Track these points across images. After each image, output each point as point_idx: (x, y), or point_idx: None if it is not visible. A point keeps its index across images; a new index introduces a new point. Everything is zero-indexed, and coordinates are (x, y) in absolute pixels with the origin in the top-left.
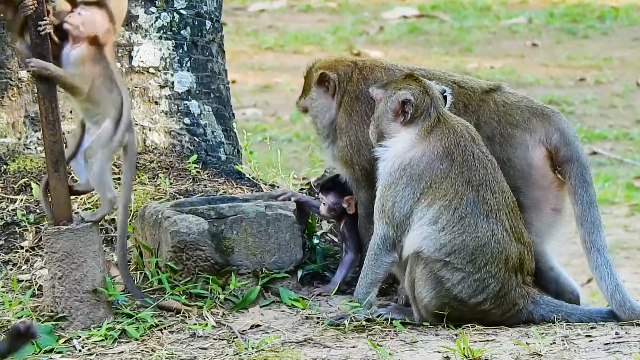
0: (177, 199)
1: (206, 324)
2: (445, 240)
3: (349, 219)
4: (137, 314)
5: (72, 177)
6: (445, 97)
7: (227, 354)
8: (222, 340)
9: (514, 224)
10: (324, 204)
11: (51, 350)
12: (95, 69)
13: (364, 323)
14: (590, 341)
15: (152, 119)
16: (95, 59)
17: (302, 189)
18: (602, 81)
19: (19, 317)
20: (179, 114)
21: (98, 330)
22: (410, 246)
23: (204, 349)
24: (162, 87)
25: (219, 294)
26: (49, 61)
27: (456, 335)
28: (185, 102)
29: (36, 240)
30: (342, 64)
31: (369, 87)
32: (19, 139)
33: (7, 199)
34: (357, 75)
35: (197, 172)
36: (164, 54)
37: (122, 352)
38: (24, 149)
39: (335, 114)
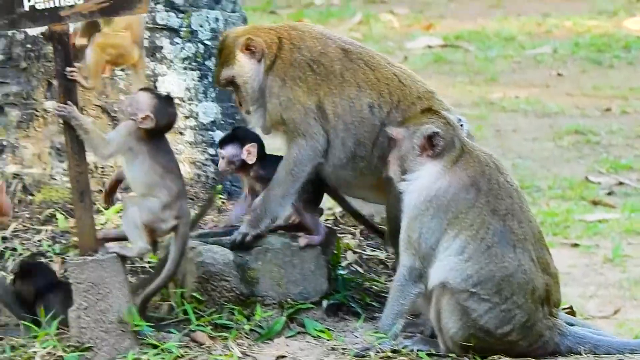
0: (202, 229)
1: (231, 355)
2: (472, 271)
3: (257, 167)
4: (162, 345)
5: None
6: (461, 126)
7: None
8: None
9: (540, 255)
10: (222, 157)
11: None
12: (137, 147)
13: (389, 354)
14: None
15: (177, 149)
16: (138, 138)
17: (327, 220)
18: (628, 111)
19: (44, 347)
20: (203, 144)
21: None
22: (436, 277)
23: None
24: (187, 117)
25: (244, 324)
26: (77, 107)
27: None
28: (210, 132)
29: (62, 271)
30: (262, 31)
31: (304, 56)
32: (45, 169)
33: (33, 229)
34: (288, 44)
35: (222, 202)
36: (188, 84)
37: None
38: (49, 180)
39: (264, 78)
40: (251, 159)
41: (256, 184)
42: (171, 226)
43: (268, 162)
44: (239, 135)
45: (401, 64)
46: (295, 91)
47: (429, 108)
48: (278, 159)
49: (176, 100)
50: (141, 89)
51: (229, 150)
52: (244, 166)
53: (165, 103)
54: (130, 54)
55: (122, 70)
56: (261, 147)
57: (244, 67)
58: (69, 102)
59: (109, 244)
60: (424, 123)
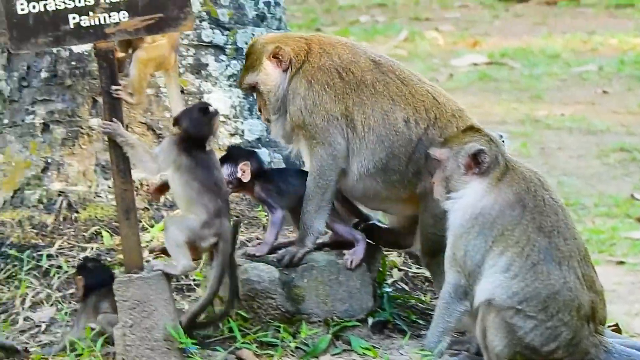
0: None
1: None
2: (518, 288)
3: (258, 184)
4: None
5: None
6: (503, 142)
7: None
8: None
9: (586, 272)
10: None
11: None
12: (177, 160)
13: None
14: None
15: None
16: (179, 153)
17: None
18: None
19: None
20: None
21: None
22: (482, 294)
23: None
24: (232, 135)
25: (290, 342)
26: (123, 124)
27: None
28: (256, 150)
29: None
30: (291, 39)
31: (333, 62)
32: (90, 187)
33: (78, 246)
34: (318, 49)
35: (267, 220)
36: (234, 102)
37: None
38: (94, 197)
39: (288, 83)
40: (245, 178)
41: (262, 205)
42: (211, 244)
43: (270, 180)
44: (233, 154)
45: (440, 81)
46: (321, 96)
47: (471, 126)
48: (282, 173)
49: (221, 118)
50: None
51: (224, 170)
52: (243, 185)
53: (198, 113)
54: (168, 60)
55: (183, 92)
56: (258, 164)
57: (269, 75)
58: (114, 119)
59: (154, 261)
60: (467, 142)
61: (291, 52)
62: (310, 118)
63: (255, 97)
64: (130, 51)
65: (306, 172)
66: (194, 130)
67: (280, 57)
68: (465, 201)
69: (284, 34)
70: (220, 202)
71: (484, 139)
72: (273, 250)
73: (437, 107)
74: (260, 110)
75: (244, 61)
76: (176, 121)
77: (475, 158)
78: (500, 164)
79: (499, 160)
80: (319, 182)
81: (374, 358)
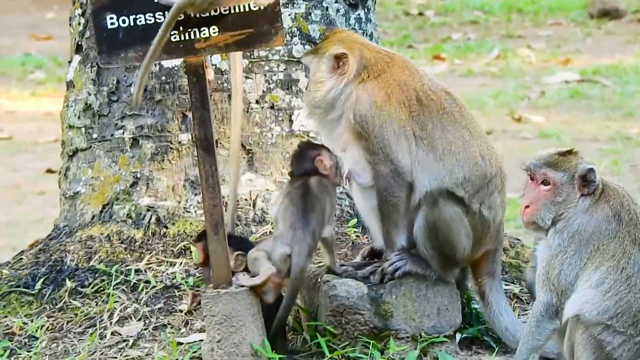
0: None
1: None
2: (610, 303)
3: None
4: None
5: None
6: None
7: None
8: None
9: None
10: None
11: None
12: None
13: None
14: None
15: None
16: None
17: None
18: None
19: None
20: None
21: None
22: (571, 310)
23: None
24: None
25: (378, 358)
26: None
27: None
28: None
29: (194, 304)
30: (372, 49)
31: (414, 83)
32: (179, 202)
33: (167, 261)
34: (401, 64)
35: (356, 236)
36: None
37: None
38: (183, 212)
39: (351, 88)
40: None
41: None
42: (282, 254)
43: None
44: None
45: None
46: (398, 112)
47: (569, 150)
48: None
49: (311, 134)
50: None
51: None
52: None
53: (298, 151)
54: None
55: (257, 102)
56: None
57: (321, 69)
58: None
59: (238, 275)
60: (577, 163)
61: (355, 65)
62: (378, 131)
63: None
64: None
65: None
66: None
67: (340, 65)
68: (565, 221)
69: (366, 41)
70: (300, 217)
71: (584, 160)
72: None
73: (493, 151)
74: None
75: (319, 41)
76: None
77: (586, 179)
78: (600, 182)
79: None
80: (391, 200)
81: None
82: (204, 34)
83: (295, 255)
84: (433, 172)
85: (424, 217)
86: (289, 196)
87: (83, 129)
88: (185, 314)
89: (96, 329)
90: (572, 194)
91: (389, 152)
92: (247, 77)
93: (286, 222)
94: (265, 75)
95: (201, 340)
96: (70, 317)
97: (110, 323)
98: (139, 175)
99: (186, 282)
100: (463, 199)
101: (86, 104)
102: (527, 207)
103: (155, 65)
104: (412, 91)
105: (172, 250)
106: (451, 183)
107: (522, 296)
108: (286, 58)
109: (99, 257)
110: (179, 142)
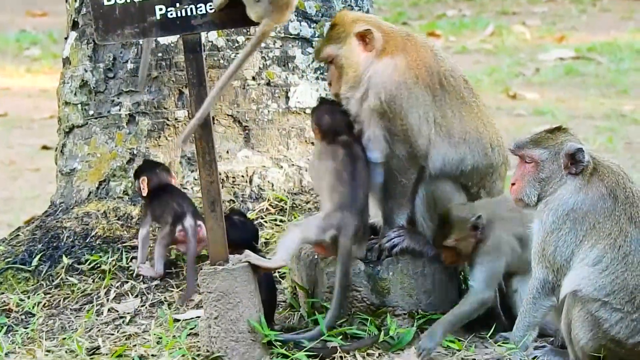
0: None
1: None
2: (606, 281)
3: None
4: (292, 355)
5: None
6: None
7: None
8: None
9: None
10: None
11: None
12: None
13: None
14: None
15: (308, 159)
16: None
17: None
18: None
19: (173, 357)
20: None
21: None
22: (568, 287)
23: None
24: None
25: (375, 334)
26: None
27: None
28: None
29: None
30: (383, 25)
31: (438, 65)
32: (176, 178)
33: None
34: (422, 43)
35: None
36: (320, 94)
37: None
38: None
39: (368, 67)
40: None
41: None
42: (330, 236)
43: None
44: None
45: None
46: (424, 96)
47: (559, 127)
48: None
49: (308, 111)
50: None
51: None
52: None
53: (325, 109)
54: None
55: (253, 79)
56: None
57: (353, 52)
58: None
59: (247, 252)
60: (563, 141)
61: (381, 40)
62: (404, 113)
63: (327, 69)
64: None
65: None
66: (325, 126)
67: (367, 41)
68: (558, 199)
69: (374, 17)
70: (351, 196)
71: (574, 138)
72: None
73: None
74: (330, 84)
75: (328, 31)
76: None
77: (574, 157)
78: (590, 161)
79: (590, 158)
80: (401, 181)
81: (458, 350)
82: (201, 11)
83: (343, 238)
84: (446, 158)
85: (424, 188)
86: (334, 165)
87: (79, 106)
88: (180, 290)
89: (93, 306)
90: (557, 171)
91: (410, 135)
92: None
93: (334, 200)
94: (261, 52)
95: (198, 317)
96: (67, 294)
97: (107, 300)
98: (135, 152)
99: (183, 259)
100: (465, 185)
101: (82, 80)
102: (514, 184)
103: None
104: (436, 75)
105: None
106: (459, 171)
107: None
108: (282, 35)
109: (96, 233)
110: (176, 119)
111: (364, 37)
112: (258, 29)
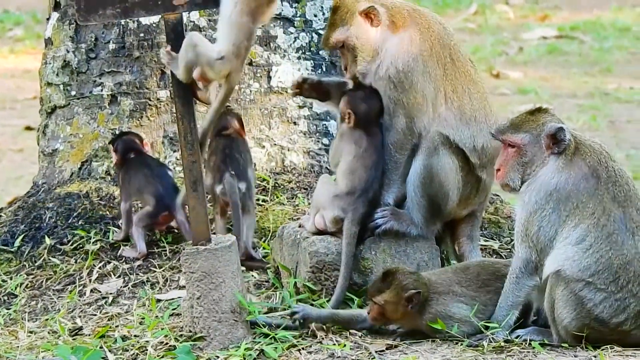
0: None
1: (344, 345)
2: (591, 260)
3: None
4: (275, 334)
5: None
6: None
7: None
8: None
9: None
10: None
11: None
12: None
13: (502, 344)
14: None
15: (290, 139)
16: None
17: None
18: None
19: (156, 337)
20: (317, 134)
21: (236, 351)
22: (551, 266)
23: None
24: (300, 107)
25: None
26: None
27: (595, 356)
28: (324, 122)
29: (174, 260)
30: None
31: (449, 38)
32: (158, 158)
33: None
34: (431, 18)
35: None
36: (302, 74)
37: None
38: None
39: (383, 41)
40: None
41: None
42: (334, 217)
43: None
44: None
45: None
46: (436, 70)
47: (538, 108)
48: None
49: (289, 91)
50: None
51: None
52: None
53: (361, 96)
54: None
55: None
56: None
57: (360, 30)
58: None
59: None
60: (544, 122)
61: (385, 15)
62: (416, 86)
63: (340, 56)
64: None
65: None
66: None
67: (372, 17)
68: (540, 179)
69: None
70: (365, 182)
71: (555, 118)
72: None
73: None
74: (345, 69)
75: (331, 17)
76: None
77: (555, 137)
78: (571, 140)
79: (571, 137)
80: (395, 156)
81: (440, 328)
82: None
83: (348, 221)
84: (457, 132)
85: (422, 161)
86: (357, 151)
87: (61, 86)
88: (165, 270)
89: (75, 286)
90: (539, 153)
91: (415, 109)
92: None
93: (347, 184)
94: None
95: (180, 297)
96: (50, 275)
97: (90, 280)
98: (117, 132)
99: (165, 239)
100: (474, 164)
101: (64, 61)
102: (499, 170)
103: (133, 22)
104: (447, 49)
105: None
106: (470, 147)
107: (502, 252)
108: None
109: (78, 214)
110: (158, 99)
111: (369, 14)
112: None
